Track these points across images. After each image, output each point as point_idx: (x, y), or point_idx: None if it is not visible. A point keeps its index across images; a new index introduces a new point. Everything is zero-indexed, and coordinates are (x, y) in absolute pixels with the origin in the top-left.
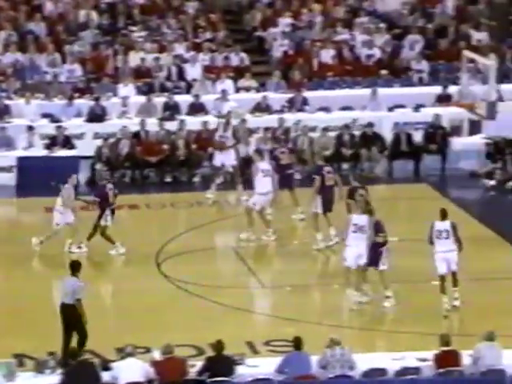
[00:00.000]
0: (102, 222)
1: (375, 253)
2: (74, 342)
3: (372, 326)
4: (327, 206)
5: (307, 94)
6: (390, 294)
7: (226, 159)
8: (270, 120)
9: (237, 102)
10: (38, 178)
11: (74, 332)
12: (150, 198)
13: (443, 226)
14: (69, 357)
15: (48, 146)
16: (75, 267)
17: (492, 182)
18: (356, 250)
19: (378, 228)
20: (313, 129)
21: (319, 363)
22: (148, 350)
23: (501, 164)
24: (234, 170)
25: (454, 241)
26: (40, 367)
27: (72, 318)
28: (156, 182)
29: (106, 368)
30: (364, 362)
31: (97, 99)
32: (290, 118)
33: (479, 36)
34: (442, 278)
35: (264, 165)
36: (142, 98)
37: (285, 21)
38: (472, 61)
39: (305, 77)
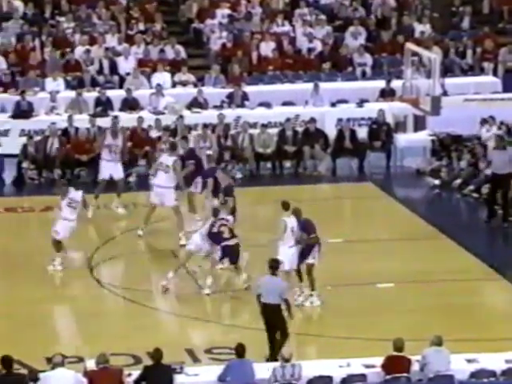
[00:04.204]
0: None
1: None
2: None
3: (317, 332)
4: None
5: (247, 88)
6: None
7: (114, 172)
8: (209, 116)
9: (173, 97)
10: None
11: (277, 331)
12: None
13: None
14: (1, 365)
15: None
16: (274, 266)
17: (437, 181)
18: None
19: (309, 229)
20: (253, 125)
21: None
22: (81, 360)
23: (446, 161)
24: (119, 182)
25: None
26: None
27: (275, 317)
28: (88, 181)
29: (34, 379)
30: (309, 369)
31: (22, 94)
32: (230, 113)
33: (422, 28)
34: None
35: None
36: (72, 93)
37: (222, 12)
38: (415, 54)
39: (244, 71)
